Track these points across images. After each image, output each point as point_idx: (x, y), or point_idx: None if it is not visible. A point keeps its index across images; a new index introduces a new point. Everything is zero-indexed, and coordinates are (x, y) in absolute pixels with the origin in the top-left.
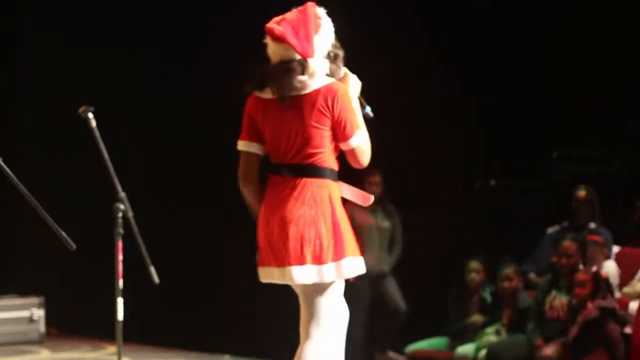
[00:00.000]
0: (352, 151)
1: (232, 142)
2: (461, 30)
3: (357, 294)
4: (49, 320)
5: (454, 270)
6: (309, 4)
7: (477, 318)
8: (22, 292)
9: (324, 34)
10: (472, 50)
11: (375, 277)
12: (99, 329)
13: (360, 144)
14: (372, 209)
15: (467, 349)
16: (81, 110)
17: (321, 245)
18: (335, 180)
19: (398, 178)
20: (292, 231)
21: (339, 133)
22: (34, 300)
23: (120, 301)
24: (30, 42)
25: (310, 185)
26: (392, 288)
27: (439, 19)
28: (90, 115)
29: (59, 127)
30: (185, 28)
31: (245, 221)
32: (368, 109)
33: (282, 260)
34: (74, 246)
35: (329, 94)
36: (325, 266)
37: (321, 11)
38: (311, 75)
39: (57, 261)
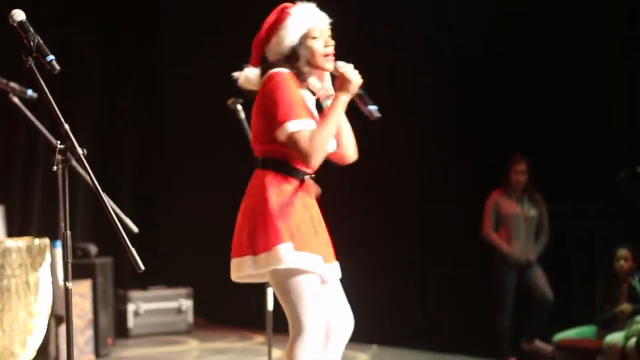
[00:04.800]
0: (285, 144)
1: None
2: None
3: (502, 282)
4: (197, 310)
5: (602, 259)
6: (277, 9)
7: (626, 306)
8: (171, 283)
9: (278, 37)
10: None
11: (521, 265)
12: (247, 320)
13: (289, 137)
14: (518, 197)
15: (616, 337)
16: (230, 102)
17: (249, 234)
18: (283, 171)
19: (544, 166)
20: (237, 222)
21: (270, 125)
22: (183, 291)
23: (270, 291)
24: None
25: (255, 177)
26: (539, 277)
27: None
28: (239, 106)
29: (204, 118)
30: None
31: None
32: (373, 108)
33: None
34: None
35: (262, 87)
36: (258, 256)
37: (294, 10)
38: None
39: (206, 252)
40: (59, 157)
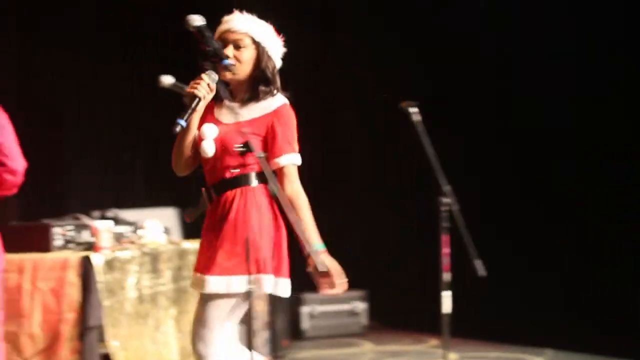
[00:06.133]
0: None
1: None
2: None
3: None
4: (372, 313)
5: None
6: None
7: None
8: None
9: None
10: None
11: None
12: (421, 323)
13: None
14: None
15: None
16: (403, 104)
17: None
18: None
19: None
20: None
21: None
22: (357, 293)
23: (446, 295)
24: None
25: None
26: None
27: None
28: (414, 109)
29: (377, 121)
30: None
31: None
32: (180, 120)
33: None
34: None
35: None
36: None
37: None
38: None
39: (381, 255)
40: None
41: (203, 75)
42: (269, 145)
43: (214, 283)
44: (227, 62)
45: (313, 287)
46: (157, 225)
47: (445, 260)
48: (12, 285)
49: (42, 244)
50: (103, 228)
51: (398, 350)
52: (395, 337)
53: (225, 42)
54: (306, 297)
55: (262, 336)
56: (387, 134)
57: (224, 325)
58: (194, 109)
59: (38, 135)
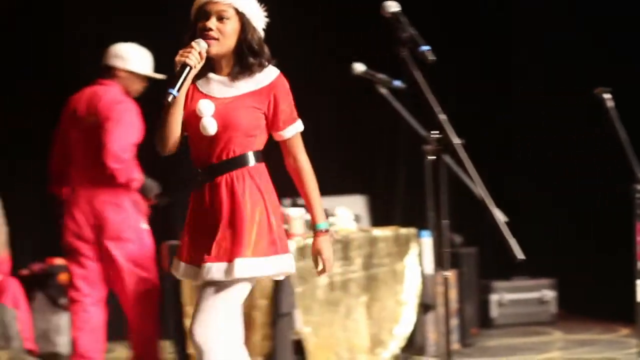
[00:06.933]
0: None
1: None
2: None
3: None
4: (561, 301)
5: None
6: None
7: None
8: (534, 274)
9: None
10: None
11: None
12: (612, 311)
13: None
14: None
15: None
16: (597, 91)
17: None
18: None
19: None
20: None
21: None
22: (546, 281)
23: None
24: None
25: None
26: None
27: None
28: (607, 95)
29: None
30: None
31: None
32: (171, 90)
33: None
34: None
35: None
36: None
37: None
38: None
39: (570, 242)
40: (433, 147)
41: (193, 44)
42: (272, 119)
43: (244, 266)
44: (425, 48)
45: (502, 275)
46: (348, 213)
47: (639, 248)
48: None
49: None
50: (295, 215)
51: (588, 339)
52: (585, 325)
53: (207, 14)
54: (495, 285)
55: (451, 323)
56: (578, 121)
57: (236, 316)
58: (185, 78)
59: None
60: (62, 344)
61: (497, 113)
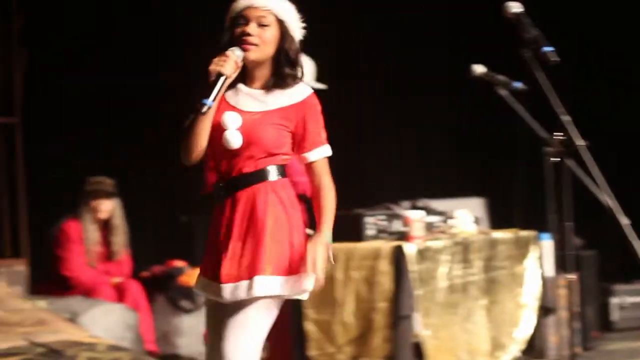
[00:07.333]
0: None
1: None
2: None
3: None
4: None
5: None
6: None
7: None
8: None
9: None
10: None
11: None
12: None
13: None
14: None
15: None
16: None
17: None
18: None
19: None
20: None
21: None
22: None
23: None
24: None
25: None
26: None
27: None
28: None
29: None
30: None
31: None
32: (204, 100)
33: None
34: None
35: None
36: None
37: None
38: None
39: None
40: (555, 149)
41: (228, 52)
42: (299, 138)
43: (264, 285)
44: (548, 48)
45: (622, 278)
46: (467, 215)
47: None
48: (326, 275)
49: (355, 234)
50: (416, 218)
51: None
52: None
53: (246, 20)
54: (616, 288)
55: (572, 327)
56: None
57: (262, 336)
58: (220, 88)
59: (350, 124)
60: (183, 346)
61: (619, 114)
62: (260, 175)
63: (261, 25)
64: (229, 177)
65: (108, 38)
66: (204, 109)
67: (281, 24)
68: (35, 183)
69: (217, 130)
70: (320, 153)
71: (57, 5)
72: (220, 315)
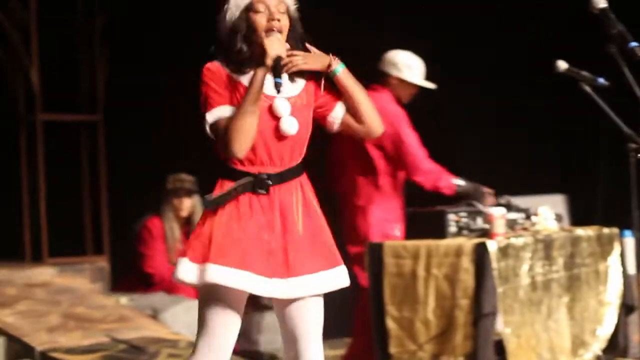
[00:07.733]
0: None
1: None
2: None
3: None
4: None
5: None
6: None
7: None
8: None
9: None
10: None
11: None
12: None
13: (208, 126)
14: None
15: None
16: None
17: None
18: (222, 179)
19: None
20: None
21: None
22: None
23: None
24: None
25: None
26: None
27: None
28: None
29: None
30: None
31: None
32: (277, 80)
33: None
34: None
35: None
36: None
37: None
38: None
39: None
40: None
41: (272, 37)
42: (321, 104)
43: (344, 274)
44: (634, 44)
45: None
46: (549, 212)
47: None
48: (407, 272)
49: (437, 231)
50: (498, 215)
51: None
52: None
53: (265, 6)
54: None
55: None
56: None
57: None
58: (282, 67)
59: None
60: (263, 343)
61: None
62: (300, 168)
63: (280, 13)
64: (274, 168)
65: (190, 36)
66: (280, 87)
67: (288, 12)
68: (117, 180)
69: (262, 118)
70: (341, 107)
71: (139, 3)
72: (238, 308)
